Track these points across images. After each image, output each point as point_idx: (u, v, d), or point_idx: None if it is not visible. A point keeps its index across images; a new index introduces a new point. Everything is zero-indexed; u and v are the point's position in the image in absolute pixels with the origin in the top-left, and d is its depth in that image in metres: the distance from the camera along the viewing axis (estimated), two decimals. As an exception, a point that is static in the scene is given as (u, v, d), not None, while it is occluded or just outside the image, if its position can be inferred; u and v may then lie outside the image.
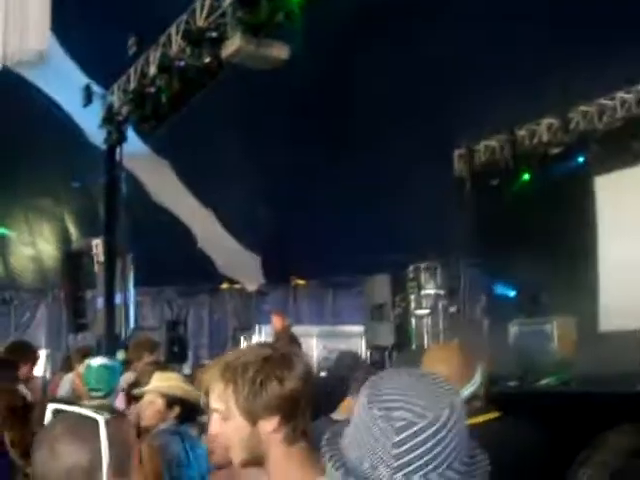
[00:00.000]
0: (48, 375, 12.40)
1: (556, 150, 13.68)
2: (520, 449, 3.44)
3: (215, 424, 2.29)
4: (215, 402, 2.27)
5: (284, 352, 2.33)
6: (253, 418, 2.20)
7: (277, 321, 11.93)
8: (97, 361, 5.84)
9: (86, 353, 8.42)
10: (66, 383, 7.46)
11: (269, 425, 2.21)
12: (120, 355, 7.33)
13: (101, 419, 2.06)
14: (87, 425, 2.07)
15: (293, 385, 2.23)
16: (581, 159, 13.50)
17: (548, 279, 13.18)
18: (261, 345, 2.51)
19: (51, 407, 2.18)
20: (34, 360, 7.03)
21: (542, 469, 3.42)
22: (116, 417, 2.16)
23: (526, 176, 14.59)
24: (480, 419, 3.48)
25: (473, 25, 11.76)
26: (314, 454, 2.22)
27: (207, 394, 2.32)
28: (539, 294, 13.66)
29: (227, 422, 2.24)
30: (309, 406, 2.30)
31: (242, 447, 2.23)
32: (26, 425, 3.29)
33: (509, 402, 3.72)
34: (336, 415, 4.78)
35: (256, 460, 2.24)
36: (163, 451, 4.37)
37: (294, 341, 11.39)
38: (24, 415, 3.42)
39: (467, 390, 3.49)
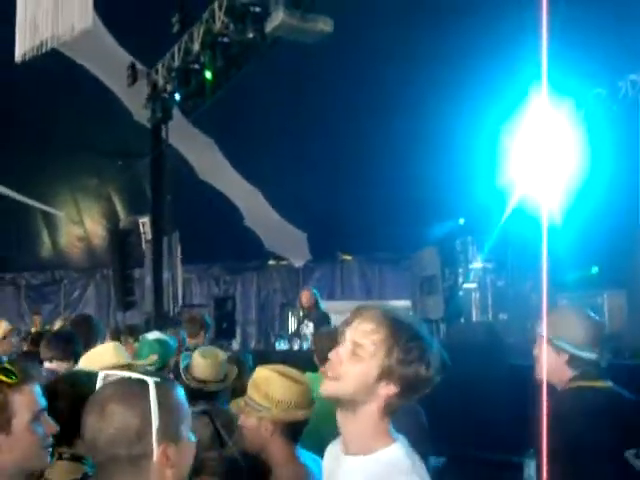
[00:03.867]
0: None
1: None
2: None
3: (343, 353, 2.33)
4: (364, 338, 2.31)
5: (438, 343, 2.39)
6: (384, 376, 2.27)
7: (305, 297, 11.82)
8: (152, 335, 5.88)
9: (135, 330, 8.50)
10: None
11: (389, 390, 2.28)
12: (170, 332, 7.36)
13: (151, 381, 2.08)
14: (136, 387, 2.09)
15: (430, 374, 2.30)
16: (630, 130, 13.27)
17: (598, 252, 13.04)
18: (422, 322, 2.49)
19: (101, 374, 2.18)
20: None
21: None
22: (167, 381, 2.17)
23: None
24: (600, 384, 3.57)
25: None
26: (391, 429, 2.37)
27: (350, 323, 2.38)
28: (589, 266, 13.53)
29: (358, 360, 2.29)
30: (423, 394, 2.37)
31: (353, 389, 2.28)
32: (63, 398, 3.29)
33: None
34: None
35: (349, 405, 2.30)
36: None
37: (325, 317, 11.33)
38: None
39: (594, 355, 3.60)
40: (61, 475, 3.08)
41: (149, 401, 2.05)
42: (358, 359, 2.28)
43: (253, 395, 3.48)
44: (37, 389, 2.57)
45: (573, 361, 3.64)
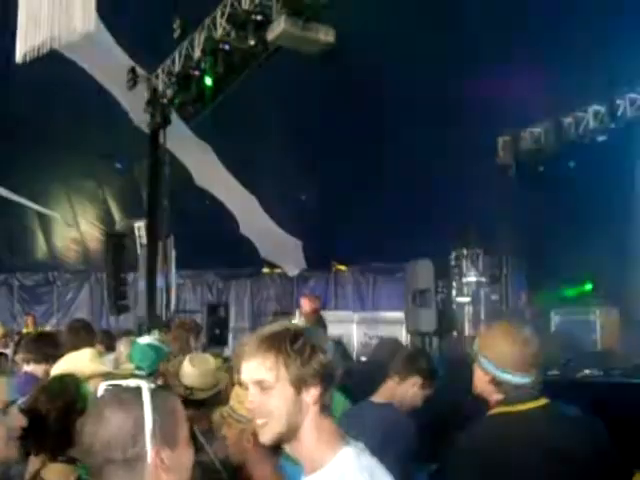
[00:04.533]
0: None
1: (602, 137, 13.49)
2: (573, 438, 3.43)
3: (255, 396, 2.33)
4: (260, 373, 2.31)
5: (315, 328, 2.44)
6: (300, 386, 2.28)
7: (306, 304, 11.91)
8: (145, 340, 5.87)
9: (129, 335, 8.47)
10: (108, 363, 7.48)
11: (311, 394, 2.29)
12: (155, 335, 7.30)
13: (145, 386, 2.14)
14: (131, 393, 2.14)
15: (332, 357, 2.35)
16: (628, 147, 13.31)
17: (593, 268, 13.07)
18: (288, 322, 2.59)
19: (102, 385, 2.23)
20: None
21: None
22: (163, 387, 2.20)
23: (571, 163, 14.42)
24: (527, 406, 3.46)
25: (519, 9, 11.62)
26: (337, 428, 2.37)
27: (239, 371, 2.39)
28: (583, 283, 13.56)
29: (271, 393, 2.29)
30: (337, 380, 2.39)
31: (284, 418, 2.29)
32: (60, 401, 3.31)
33: (550, 391, 3.67)
34: (376, 398, 4.79)
35: (290, 433, 2.31)
36: None
37: (322, 325, 11.39)
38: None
39: (521, 380, 3.48)
40: (56, 477, 3.10)
41: (143, 406, 2.09)
42: (268, 392, 2.30)
43: (235, 406, 3.49)
44: (6, 383, 2.61)
45: (496, 382, 3.58)
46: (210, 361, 4.69)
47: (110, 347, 7.46)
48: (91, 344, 6.31)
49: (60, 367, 4.35)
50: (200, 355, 4.99)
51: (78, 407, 3.30)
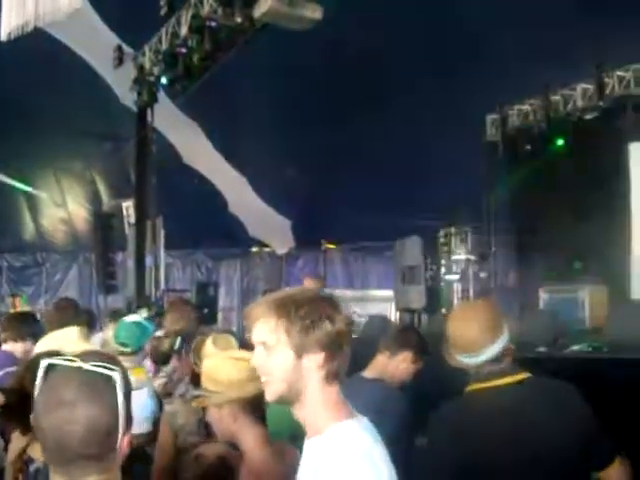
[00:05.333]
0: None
1: (591, 115, 13.47)
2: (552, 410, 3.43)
3: (259, 355, 2.40)
4: (263, 335, 2.38)
5: (331, 295, 2.49)
6: (300, 352, 2.33)
7: (308, 284, 11.87)
8: (130, 317, 5.87)
9: (118, 315, 8.44)
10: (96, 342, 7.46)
11: (314, 361, 2.34)
12: (143, 313, 7.28)
13: (117, 376, 2.04)
14: (102, 383, 2.03)
15: (340, 326, 2.36)
16: (616, 125, 13.29)
17: (581, 246, 13.09)
18: (308, 288, 2.60)
19: (44, 363, 2.11)
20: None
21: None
22: (122, 367, 2.13)
23: (560, 142, 14.42)
24: (503, 381, 3.46)
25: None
26: (344, 400, 2.42)
27: (250, 330, 2.45)
28: (571, 261, 13.58)
29: (272, 354, 2.36)
30: (348, 353, 2.42)
31: (283, 379, 2.35)
32: None
33: (538, 367, 3.68)
34: (366, 373, 4.81)
35: (292, 396, 2.37)
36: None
37: None
38: None
39: (497, 345, 3.48)
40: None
41: (116, 396, 2.02)
42: (270, 353, 2.36)
43: (206, 384, 3.49)
44: None
45: (476, 371, 3.54)
46: (232, 342, 4.68)
47: (91, 326, 7.43)
48: (78, 323, 6.29)
49: (45, 345, 4.31)
50: (223, 336, 4.99)
51: None
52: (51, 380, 2.06)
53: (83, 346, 4.10)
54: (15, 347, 5.47)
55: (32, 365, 3.44)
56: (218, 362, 3.53)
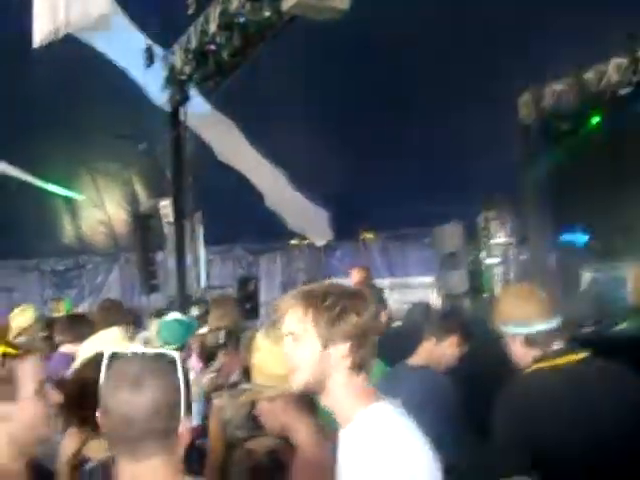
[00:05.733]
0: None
1: (626, 90, 13.30)
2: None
3: (288, 346, 2.49)
4: (291, 325, 2.48)
5: (360, 288, 2.71)
6: (326, 342, 2.42)
7: (355, 275, 11.81)
8: (171, 316, 5.90)
9: (162, 313, 8.50)
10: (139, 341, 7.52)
11: (340, 351, 2.41)
12: (194, 311, 7.33)
13: (177, 356, 2.16)
14: (165, 362, 2.14)
15: (367, 318, 2.45)
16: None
17: (621, 224, 12.97)
18: (337, 282, 2.70)
19: (108, 352, 2.21)
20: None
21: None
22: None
23: (596, 119, 14.27)
24: (565, 360, 3.48)
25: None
26: (371, 386, 2.49)
27: (280, 321, 2.55)
28: (612, 240, 13.46)
29: (300, 344, 2.45)
30: (374, 343, 2.51)
31: (309, 368, 2.44)
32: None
33: (586, 346, 3.68)
34: (412, 361, 4.80)
35: (318, 385, 2.45)
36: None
37: (375, 293, 11.27)
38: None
39: (548, 325, 3.50)
40: (99, 453, 3.11)
41: (178, 376, 2.12)
42: (298, 344, 2.45)
43: (257, 378, 3.50)
44: (39, 361, 2.65)
45: (528, 340, 3.59)
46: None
47: (137, 325, 7.49)
48: (122, 322, 6.35)
49: (90, 346, 4.37)
50: (275, 330, 5.01)
51: None
52: (116, 365, 2.17)
53: (127, 346, 4.15)
54: (73, 349, 5.52)
55: (91, 361, 3.49)
56: (270, 355, 3.53)
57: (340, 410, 2.44)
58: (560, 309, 3.74)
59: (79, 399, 3.19)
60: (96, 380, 3.27)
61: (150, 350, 2.18)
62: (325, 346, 2.40)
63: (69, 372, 3.76)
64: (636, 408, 3.38)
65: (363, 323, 2.42)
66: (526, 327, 3.57)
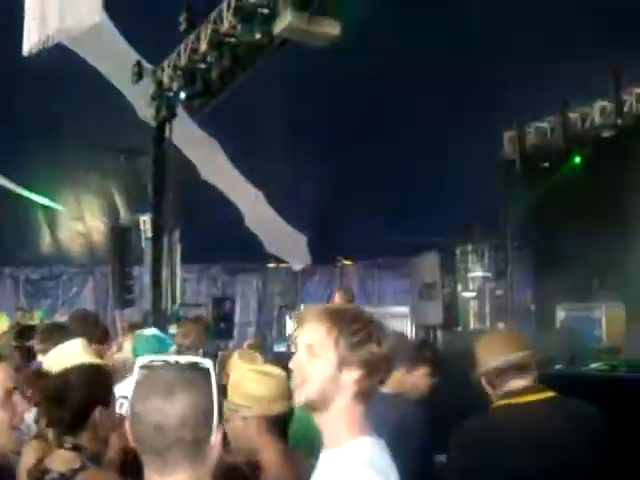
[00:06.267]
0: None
1: (609, 133, 13.44)
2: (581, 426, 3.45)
3: (301, 356, 2.48)
4: (312, 338, 2.46)
5: (380, 320, 2.56)
6: (342, 365, 2.41)
7: (339, 298, 11.85)
8: (149, 331, 5.87)
9: (136, 328, 8.47)
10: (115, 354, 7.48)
11: (352, 376, 2.41)
12: (172, 329, 7.31)
13: (210, 365, 2.13)
14: (198, 371, 2.12)
15: (385, 349, 2.47)
16: (634, 143, 13.25)
17: (598, 264, 13.04)
18: (363, 308, 2.73)
19: (140, 362, 2.18)
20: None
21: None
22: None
23: (577, 159, 14.38)
24: (534, 397, 3.51)
25: (523, 2, 11.57)
26: (366, 422, 2.46)
27: (299, 328, 2.55)
28: (589, 279, 13.52)
29: (315, 359, 2.43)
30: (385, 374, 2.55)
31: (319, 384, 2.42)
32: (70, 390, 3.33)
33: (556, 385, 3.71)
34: (385, 389, 4.80)
35: (321, 404, 2.42)
36: None
37: None
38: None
39: (520, 353, 3.57)
40: (61, 465, 3.08)
41: (211, 385, 2.09)
42: (314, 358, 2.43)
43: (233, 397, 3.50)
44: (8, 369, 2.61)
45: (489, 379, 3.68)
46: (258, 358, 4.69)
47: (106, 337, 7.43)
48: (94, 334, 6.31)
49: (51, 357, 4.34)
50: (249, 351, 5.01)
51: (103, 397, 3.34)
52: (148, 373, 2.13)
53: (87, 358, 4.13)
54: None
55: (76, 367, 3.48)
56: (246, 375, 3.55)
57: (332, 433, 2.43)
58: (531, 346, 3.78)
59: (59, 398, 3.17)
60: (79, 384, 3.27)
61: (184, 358, 2.15)
62: (340, 369, 2.40)
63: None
64: (598, 448, 3.39)
65: (381, 354, 2.44)
66: (490, 365, 3.63)
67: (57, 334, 5.66)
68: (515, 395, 3.56)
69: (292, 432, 3.54)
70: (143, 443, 2.07)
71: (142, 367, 2.16)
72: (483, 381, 3.72)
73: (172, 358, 2.16)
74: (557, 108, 14.07)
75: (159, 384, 2.07)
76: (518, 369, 3.61)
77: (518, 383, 3.60)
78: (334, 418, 2.41)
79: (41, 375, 3.38)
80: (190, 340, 6.73)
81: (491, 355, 3.68)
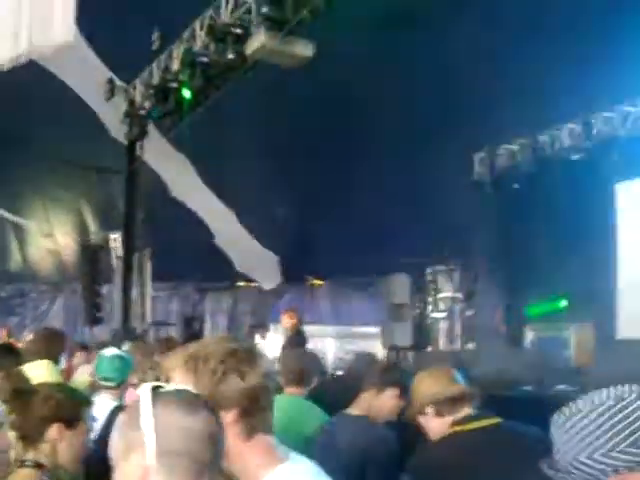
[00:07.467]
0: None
1: (578, 156, 13.57)
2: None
3: None
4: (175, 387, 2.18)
5: (249, 347, 2.35)
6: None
7: (285, 319, 11.92)
8: (110, 351, 5.82)
9: (105, 347, 8.42)
10: (85, 373, 7.44)
11: (225, 419, 2.13)
12: (126, 347, 7.24)
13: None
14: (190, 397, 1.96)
15: (254, 381, 2.24)
16: (603, 165, 13.39)
17: (567, 285, 13.13)
18: (228, 338, 2.44)
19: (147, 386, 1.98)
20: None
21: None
22: None
23: (547, 181, 14.49)
24: (484, 424, 3.59)
25: (495, 28, 11.68)
26: (274, 449, 2.27)
27: (167, 381, 2.26)
28: (557, 300, 13.61)
29: None
30: (269, 405, 2.31)
31: None
32: (28, 409, 3.32)
33: (523, 406, 3.77)
34: (351, 410, 4.79)
35: None
36: None
37: (302, 339, 11.39)
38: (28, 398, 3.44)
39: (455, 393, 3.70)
40: None
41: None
42: None
43: None
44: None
45: (438, 410, 3.77)
46: None
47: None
48: (56, 354, 6.29)
49: None
50: None
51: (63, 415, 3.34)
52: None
53: (48, 378, 4.12)
54: None
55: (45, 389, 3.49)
56: None
57: (244, 475, 2.23)
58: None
59: (18, 412, 3.18)
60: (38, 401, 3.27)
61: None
62: None
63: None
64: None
65: (249, 387, 2.23)
66: (442, 394, 3.74)
67: (6, 358, 5.60)
68: (466, 422, 3.65)
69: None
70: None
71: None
72: (428, 412, 3.80)
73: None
74: (527, 131, 14.19)
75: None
76: (467, 398, 3.75)
77: (468, 411, 3.73)
78: (237, 461, 2.22)
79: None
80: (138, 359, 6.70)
81: (437, 386, 3.77)
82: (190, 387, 2.10)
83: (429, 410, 3.79)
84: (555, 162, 14.08)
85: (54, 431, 3.29)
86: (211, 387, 2.18)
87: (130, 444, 1.83)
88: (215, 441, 1.89)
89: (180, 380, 2.21)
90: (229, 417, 2.19)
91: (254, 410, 2.24)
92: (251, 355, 2.30)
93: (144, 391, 1.89)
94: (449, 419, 3.73)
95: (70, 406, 3.45)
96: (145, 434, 1.80)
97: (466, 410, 3.73)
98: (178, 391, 1.98)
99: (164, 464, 1.80)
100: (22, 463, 3.15)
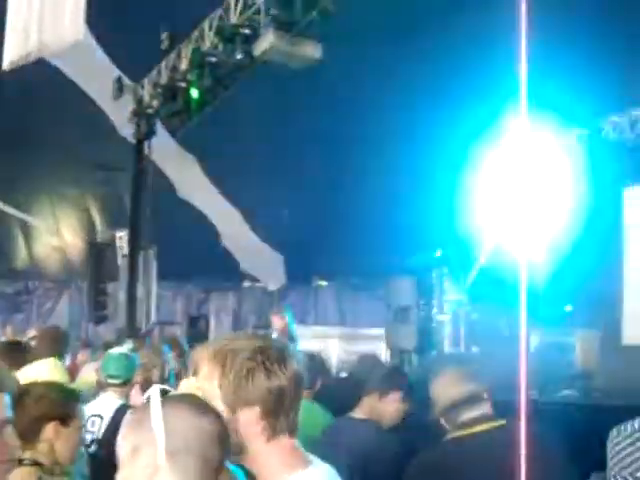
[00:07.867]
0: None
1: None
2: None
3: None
4: (201, 381, 2.22)
5: (281, 347, 2.32)
6: (233, 406, 2.18)
7: (276, 321, 11.88)
8: (117, 350, 5.86)
9: (110, 347, 8.43)
10: (91, 371, 7.44)
11: (247, 416, 2.18)
12: (128, 345, 7.25)
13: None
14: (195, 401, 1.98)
15: (281, 382, 2.22)
16: (610, 169, 13.35)
17: (572, 290, 13.09)
18: (262, 336, 2.47)
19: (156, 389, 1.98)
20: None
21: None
22: None
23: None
24: (486, 426, 3.57)
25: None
26: (298, 451, 2.26)
27: (195, 372, 2.28)
28: (563, 305, 13.58)
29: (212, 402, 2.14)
30: (295, 407, 2.29)
31: None
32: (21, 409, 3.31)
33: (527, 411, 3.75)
34: (354, 414, 4.79)
35: (235, 448, 2.12)
36: None
37: (291, 340, 11.37)
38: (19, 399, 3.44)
39: (463, 395, 3.68)
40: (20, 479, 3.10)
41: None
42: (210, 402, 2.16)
43: None
44: (6, 399, 2.53)
45: (444, 415, 3.76)
46: None
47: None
48: (60, 352, 6.31)
49: (20, 376, 4.33)
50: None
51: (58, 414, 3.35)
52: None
53: (57, 378, 4.13)
54: None
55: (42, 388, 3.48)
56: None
57: (264, 475, 2.19)
58: (481, 377, 3.88)
59: (21, 410, 3.17)
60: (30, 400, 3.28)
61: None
62: (232, 410, 2.16)
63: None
64: (552, 475, 3.42)
65: (275, 387, 2.20)
66: (442, 403, 3.72)
67: (14, 352, 5.62)
68: (467, 426, 3.63)
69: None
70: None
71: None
72: (441, 419, 3.79)
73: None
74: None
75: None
76: (469, 401, 3.70)
77: (470, 414, 3.68)
78: (258, 461, 2.20)
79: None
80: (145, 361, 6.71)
81: (443, 392, 3.77)
82: (216, 380, 2.17)
83: (441, 418, 3.79)
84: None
85: (50, 430, 3.32)
86: (236, 382, 2.18)
87: (139, 444, 1.84)
88: (223, 441, 1.89)
89: (207, 372, 2.22)
90: (251, 415, 2.19)
91: (278, 411, 2.22)
92: (281, 355, 2.27)
93: (154, 392, 1.89)
94: (454, 423, 3.72)
95: (63, 404, 3.47)
96: (156, 434, 1.81)
97: (469, 414, 3.70)
98: (185, 395, 2.01)
99: (174, 464, 1.81)
100: (20, 462, 3.16)
